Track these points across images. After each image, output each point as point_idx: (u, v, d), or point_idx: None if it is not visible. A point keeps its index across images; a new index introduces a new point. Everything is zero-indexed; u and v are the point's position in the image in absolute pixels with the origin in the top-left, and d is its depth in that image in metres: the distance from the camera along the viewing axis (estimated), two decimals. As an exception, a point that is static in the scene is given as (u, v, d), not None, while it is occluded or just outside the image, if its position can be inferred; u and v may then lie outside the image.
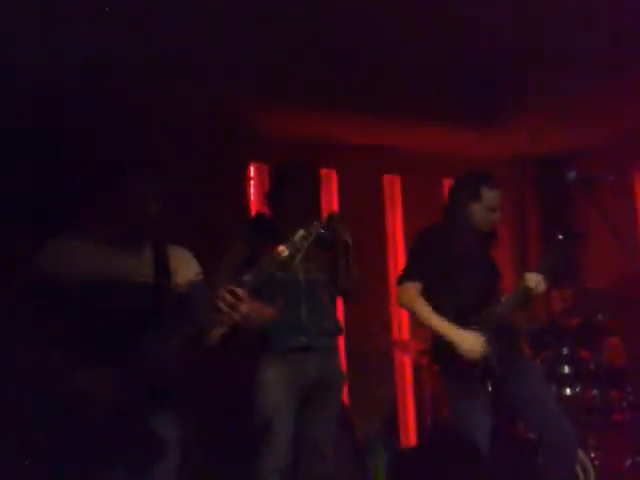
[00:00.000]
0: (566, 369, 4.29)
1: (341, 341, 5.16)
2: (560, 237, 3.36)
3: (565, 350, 4.32)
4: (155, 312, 2.44)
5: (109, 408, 2.30)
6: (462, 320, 3.27)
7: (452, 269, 3.32)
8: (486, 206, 3.35)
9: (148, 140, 3.99)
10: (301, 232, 2.37)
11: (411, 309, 3.37)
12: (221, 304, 2.32)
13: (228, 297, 2.31)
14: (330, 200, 5.18)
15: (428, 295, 3.39)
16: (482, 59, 4.56)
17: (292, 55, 4.04)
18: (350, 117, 4.78)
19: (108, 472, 2.31)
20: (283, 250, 2.35)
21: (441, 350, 3.30)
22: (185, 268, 2.57)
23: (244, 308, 2.33)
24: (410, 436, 5.25)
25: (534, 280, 3.28)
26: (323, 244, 3.07)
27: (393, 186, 5.50)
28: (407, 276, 3.36)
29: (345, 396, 4.86)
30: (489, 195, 3.35)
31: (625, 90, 4.54)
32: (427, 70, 4.45)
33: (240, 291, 2.33)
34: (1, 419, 2.97)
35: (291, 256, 2.35)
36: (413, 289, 3.32)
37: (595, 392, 4.29)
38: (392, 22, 3.81)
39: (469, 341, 3.24)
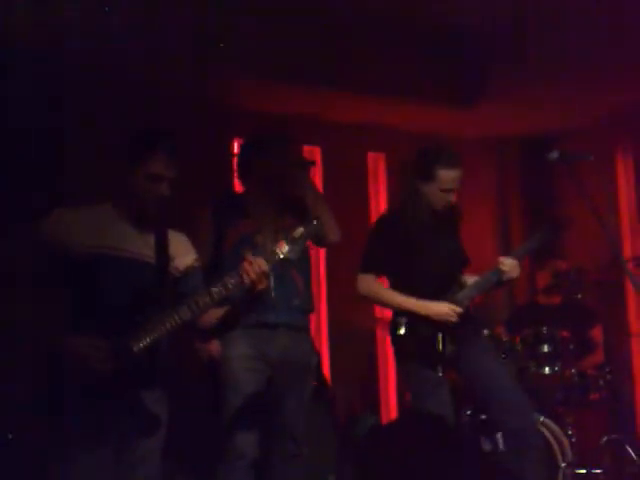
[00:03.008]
0: (545, 348, 4.32)
1: (323, 318, 5.19)
2: (545, 226, 3.37)
3: (545, 329, 4.36)
4: (154, 292, 2.44)
5: (103, 378, 2.31)
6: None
7: (410, 254, 3.30)
8: (441, 187, 3.25)
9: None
10: (301, 229, 2.42)
11: (371, 295, 3.38)
12: (252, 271, 2.37)
13: (257, 266, 2.37)
14: (314, 177, 5.16)
15: (390, 282, 3.41)
16: (467, 38, 4.56)
17: (278, 32, 4.02)
18: (335, 94, 4.75)
19: (98, 441, 2.33)
20: (283, 246, 2.39)
21: (398, 334, 3.29)
22: (183, 254, 2.59)
23: (266, 282, 2.44)
24: (391, 412, 5.29)
25: (509, 265, 3.27)
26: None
27: (377, 164, 5.50)
28: (363, 268, 3.36)
29: (326, 373, 4.90)
30: (444, 175, 3.23)
31: (608, 71, 4.54)
32: (411, 48, 4.45)
33: (265, 266, 2.40)
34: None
35: (290, 252, 2.41)
36: (369, 278, 3.33)
37: (573, 371, 4.34)
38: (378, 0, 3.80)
39: (437, 306, 3.24)
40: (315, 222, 2.49)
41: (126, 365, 2.32)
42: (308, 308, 3.23)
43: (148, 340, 2.34)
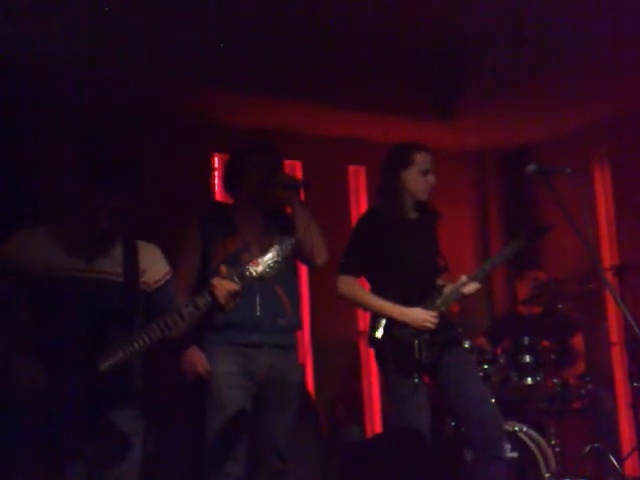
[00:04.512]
0: (527, 358, 4.35)
1: (306, 332, 5.19)
2: (522, 234, 3.41)
3: (526, 340, 4.39)
4: (122, 311, 2.42)
5: (55, 401, 2.28)
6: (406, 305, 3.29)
7: (389, 255, 3.33)
8: (420, 169, 3.35)
9: (115, 135, 3.96)
10: (276, 247, 2.41)
11: (351, 297, 3.40)
12: (221, 292, 2.34)
13: (228, 286, 2.35)
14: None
15: (369, 282, 3.42)
16: (447, 52, 4.61)
17: (260, 46, 4.04)
18: (316, 109, 4.78)
19: (64, 467, 2.30)
20: (257, 264, 2.38)
21: (375, 337, 3.30)
22: (154, 267, 2.57)
23: (237, 302, 2.40)
24: (376, 424, 5.29)
25: (468, 290, 3.32)
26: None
27: (358, 177, 5.52)
28: (341, 269, 3.38)
29: (310, 387, 4.89)
30: (421, 157, 3.36)
31: (585, 82, 4.60)
32: (392, 62, 4.49)
33: (235, 287, 2.37)
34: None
35: (264, 271, 2.39)
36: (348, 280, 3.36)
37: (555, 381, 4.37)
38: (359, 13, 3.83)
39: (414, 313, 3.26)
40: (291, 240, 2.47)
41: (91, 386, 2.30)
42: (295, 326, 3.21)
43: (115, 360, 2.32)
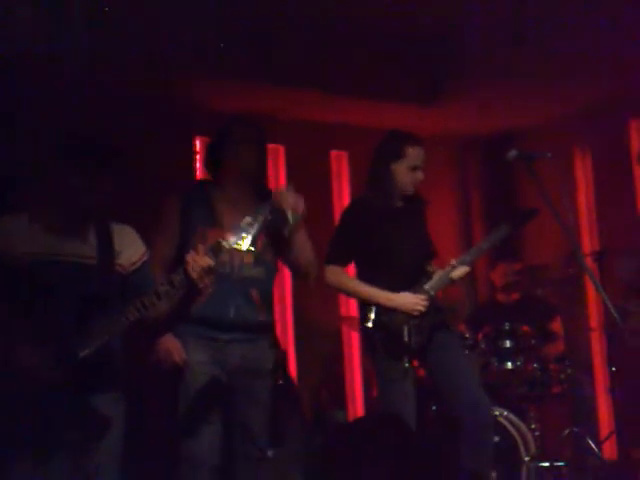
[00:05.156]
0: (507, 343, 4.38)
1: (289, 318, 5.20)
2: (507, 219, 3.43)
3: (506, 325, 4.42)
4: (97, 294, 2.41)
5: (51, 387, 2.29)
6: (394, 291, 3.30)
7: (377, 243, 3.33)
8: (410, 164, 3.33)
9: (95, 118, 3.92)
10: (248, 219, 2.36)
11: (339, 286, 3.41)
12: (195, 268, 2.31)
13: (201, 261, 2.31)
14: (278, 176, 5.17)
15: (358, 270, 3.43)
16: (429, 37, 4.60)
17: (239, 30, 4.01)
18: (298, 93, 4.76)
19: (49, 451, 2.30)
20: (229, 238, 2.34)
21: (366, 326, 3.31)
22: (129, 249, 2.55)
23: (211, 278, 2.37)
24: (358, 408, 5.32)
25: (457, 274, 3.32)
26: (272, 229, 2.94)
27: (340, 162, 5.51)
28: (329, 259, 3.38)
29: (293, 372, 4.91)
30: (413, 152, 3.33)
31: (567, 69, 4.62)
32: (374, 47, 4.47)
33: (209, 261, 2.33)
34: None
35: (237, 243, 2.33)
36: (336, 269, 3.36)
37: (535, 366, 4.40)
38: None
39: (402, 297, 3.27)
40: (265, 208, 2.43)
41: (72, 371, 2.29)
42: (267, 326, 3.18)
43: (94, 345, 2.32)
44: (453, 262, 3.35)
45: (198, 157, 4.81)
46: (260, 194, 3.07)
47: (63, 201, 2.43)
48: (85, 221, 2.49)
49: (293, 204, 2.92)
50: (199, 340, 3.01)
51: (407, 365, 3.29)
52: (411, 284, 3.33)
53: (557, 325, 4.82)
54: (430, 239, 3.51)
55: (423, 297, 3.30)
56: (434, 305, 3.35)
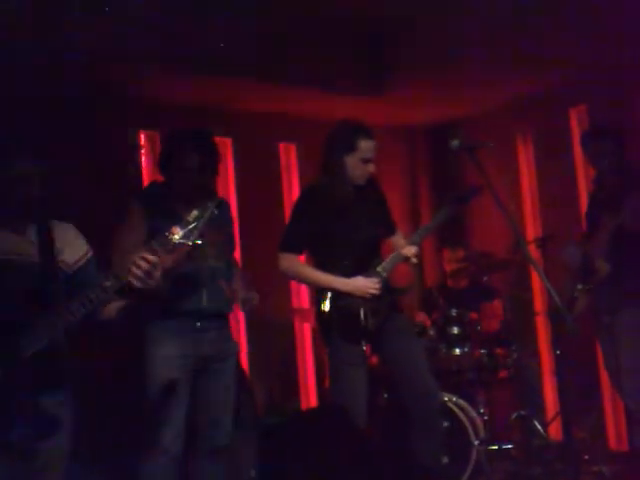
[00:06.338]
0: (455, 330, 4.46)
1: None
2: (449, 199, 3.50)
3: (454, 311, 4.49)
4: (41, 292, 2.38)
5: None
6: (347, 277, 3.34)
7: (330, 229, 3.36)
8: (362, 157, 3.36)
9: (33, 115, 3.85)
10: (195, 212, 2.38)
11: (293, 274, 3.45)
12: (136, 270, 2.31)
13: (143, 264, 2.31)
14: (226, 169, 5.15)
15: (312, 256, 3.46)
16: (375, 27, 4.63)
17: (185, 20, 3.98)
18: (244, 84, 4.74)
19: None
20: (177, 231, 2.36)
21: (322, 310, 3.34)
22: (71, 246, 2.52)
23: (157, 275, 2.35)
24: (311, 399, 5.35)
25: (409, 252, 3.38)
26: (216, 226, 2.93)
27: (289, 154, 5.52)
28: (283, 247, 3.41)
29: (245, 363, 4.91)
30: (365, 146, 3.36)
31: (509, 59, 4.69)
32: (320, 37, 4.48)
33: (153, 258, 2.33)
34: None
35: (185, 236, 2.35)
36: (290, 257, 3.40)
37: (482, 351, 4.49)
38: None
39: (356, 282, 3.32)
40: (212, 203, 2.46)
41: (16, 371, 2.27)
42: (230, 310, 3.28)
43: (38, 344, 2.29)
44: (401, 242, 3.42)
45: (143, 151, 4.77)
46: (209, 193, 3.09)
47: (7, 193, 2.40)
48: (25, 218, 2.45)
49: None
50: (174, 335, 3.05)
51: (364, 348, 3.34)
52: (365, 268, 3.38)
53: (497, 304, 4.90)
54: (388, 220, 3.56)
55: (376, 280, 3.35)
56: (387, 286, 3.40)
